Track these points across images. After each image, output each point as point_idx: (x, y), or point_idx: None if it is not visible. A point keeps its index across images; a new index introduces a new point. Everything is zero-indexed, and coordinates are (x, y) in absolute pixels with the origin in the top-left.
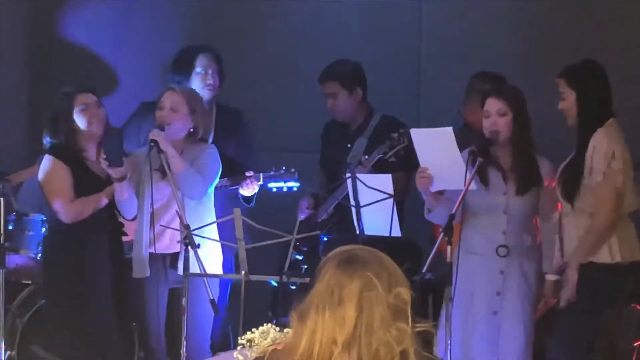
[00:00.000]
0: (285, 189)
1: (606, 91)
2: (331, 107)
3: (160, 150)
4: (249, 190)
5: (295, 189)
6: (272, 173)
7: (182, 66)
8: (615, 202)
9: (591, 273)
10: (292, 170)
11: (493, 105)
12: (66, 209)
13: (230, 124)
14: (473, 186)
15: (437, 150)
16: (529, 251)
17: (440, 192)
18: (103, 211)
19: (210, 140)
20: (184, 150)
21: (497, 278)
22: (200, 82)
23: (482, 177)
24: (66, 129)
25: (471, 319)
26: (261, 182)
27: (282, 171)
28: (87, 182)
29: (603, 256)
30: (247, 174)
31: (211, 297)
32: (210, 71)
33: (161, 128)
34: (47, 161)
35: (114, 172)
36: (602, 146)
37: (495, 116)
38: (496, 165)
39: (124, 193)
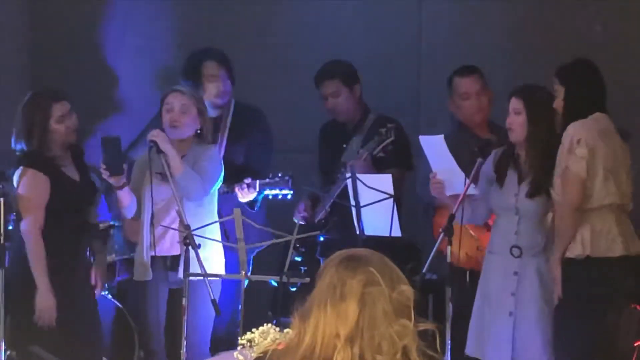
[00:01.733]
0: (280, 197)
1: (595, 89)
2: (332, 106)
3: (159, 151)
4: (243, 196)
5: (289, 196)
6: (267, 180)
7: (191, 73)
8: (575, 189)
9: (565, 269)
10: (287, 178)
11: (512, 103)
12: (32, 234)
13: (247, 123)
14: (474, 190)
15: (439, 156)
16: (544, 252)
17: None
18: (76, 222)
19: (225, 138)
20: (187, 152)
21: (511, 279)
22: (211, 89)
23: (500, 176)
24: (43, 138)
25: (487, 318)
26: (257, 190)
27: (277, 178)
28: (64, 188)
29: (575, 250)
30: (245, 180)
31: (212, 298)
32: (219, 77)
33: (161, 129)
34: (25, 173)
35: (115, 181)
36: (569, 134)
37: (512, 114)
38: (515, 165)
39: (125, 199)
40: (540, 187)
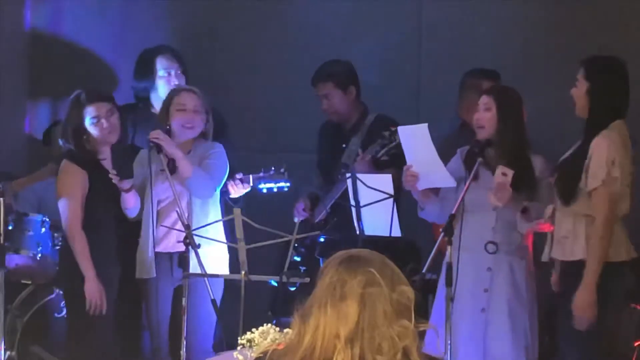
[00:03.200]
0: (275, 189)
1: (621, 90)
2: (326, 108)
3: (159, 151)
4: (236, 191)
5: (285, 188)
6: (261, 174)
7: (144, 72)
8: (611, 208)
9: (569, 271)
10: (282, 170)
11: (482, 100)
12: (72, 226)
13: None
14: (452, 183)
15: (419, 148)
16: (518, 249)
17: (433, 190)
18: (113, 215)
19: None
20: (191, 150)
21: (484, 275)
22: (164, 85)
23: (475, 174)
24: (77, 138)
25: (456, 315)
26: (251, 184)
27: (271, 172)
28: (102, 182)
29: (580, 253)
30: (236, 175)
31: (212, 297)
32: (172, 72)
33: (164, 130)
34: (64, 164)
35: (123, 185)
36: (603, 153)
37: (482, 111)
38: (486, 163)
39: (130, 202)
40: (517, 187)
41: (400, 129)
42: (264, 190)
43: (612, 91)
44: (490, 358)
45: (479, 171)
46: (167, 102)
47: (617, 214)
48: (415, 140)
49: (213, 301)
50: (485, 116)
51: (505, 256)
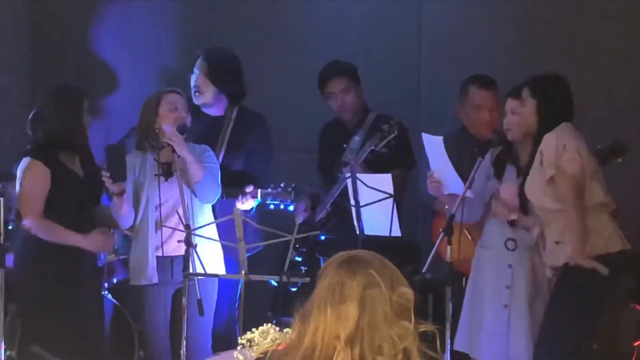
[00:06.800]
0: (282, 207)
1: (566, 103)
2: (340, 103)
3: (173, 151)
4: (242, 204)
5: (290, 207)
6: (270, 191)
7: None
8: (575, 190)
9: (563, 269)
10: (289, 189)
11: (508, 103)
12: (37, 221)
13: (249, 127)
14: (469, 194)
15: (439, 157)
16: (537, 245)
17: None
18: (79, 214)
19: (226, 141)
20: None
21: (506, 271)
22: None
23: (499, 170)
24: (78, 121)
25: (479, 313)
26: (259, 199)
27: (279, 189)
28: (66, 182)
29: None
30: (246, 189)
31: (199, 297)
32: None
33: (181, 131)
34: (28, 165)
35: (116, 187)
36: (551, 143)
37: (509, 114)
38: (514, 161)
39: (122, 207)
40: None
41: (424, 136)
42: (271, 207)
43: (560, 103)
44: (513, 354)
45: (503, 168)
46: (155, 103)
47: (586, 198)
48: (435, 149)
49: (199, 301)
50: (512, 120)
51: (526, 252)
